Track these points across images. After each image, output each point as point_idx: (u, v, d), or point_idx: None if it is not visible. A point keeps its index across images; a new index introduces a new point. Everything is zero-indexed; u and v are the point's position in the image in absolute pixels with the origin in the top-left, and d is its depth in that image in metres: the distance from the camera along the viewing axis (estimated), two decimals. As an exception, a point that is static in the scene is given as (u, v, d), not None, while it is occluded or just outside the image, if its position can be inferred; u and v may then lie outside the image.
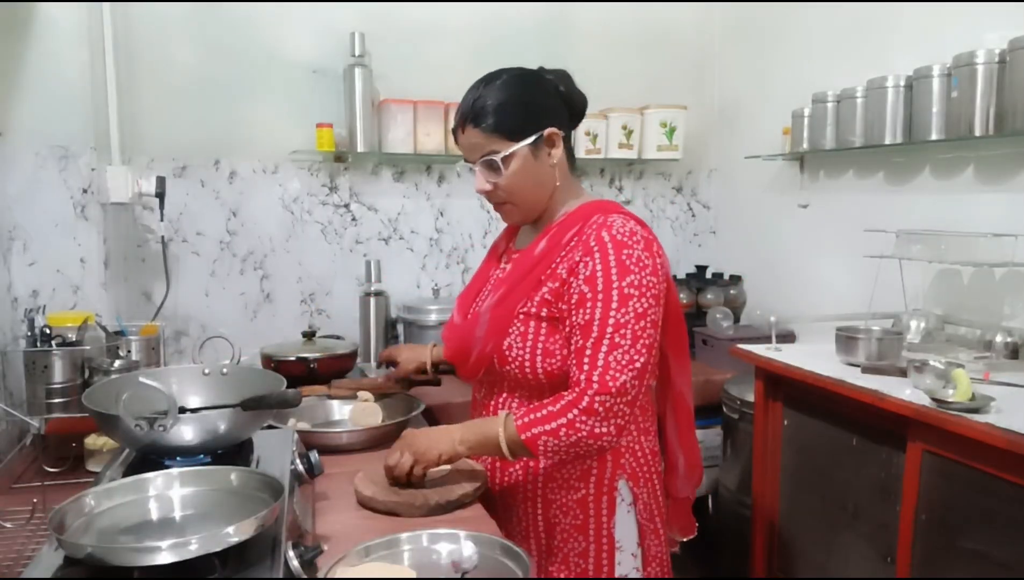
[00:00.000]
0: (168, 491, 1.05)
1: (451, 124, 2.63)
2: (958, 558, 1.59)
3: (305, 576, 0.93)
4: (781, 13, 2.80)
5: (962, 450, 1.55)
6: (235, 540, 0.87)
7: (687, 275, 3.06)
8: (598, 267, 1.24)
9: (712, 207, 3.25)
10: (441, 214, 2.85)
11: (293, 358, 2.19)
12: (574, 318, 1.25)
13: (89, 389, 1.30)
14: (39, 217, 2.06)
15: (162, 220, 2.40)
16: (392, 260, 2.76)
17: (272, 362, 2.18)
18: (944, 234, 2.05)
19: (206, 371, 1.41)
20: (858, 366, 1.92)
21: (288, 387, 1.31)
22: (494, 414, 1.40)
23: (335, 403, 1.86)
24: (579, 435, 1.20)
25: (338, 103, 2.62)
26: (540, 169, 1.33)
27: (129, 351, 1.87)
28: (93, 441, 1.56)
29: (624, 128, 2.88)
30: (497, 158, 1.29)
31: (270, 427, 1.45)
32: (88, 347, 1.74)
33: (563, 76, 1.39)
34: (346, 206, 2.73)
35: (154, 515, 1.02)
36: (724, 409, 2.46)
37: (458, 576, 1.07)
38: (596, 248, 1.25)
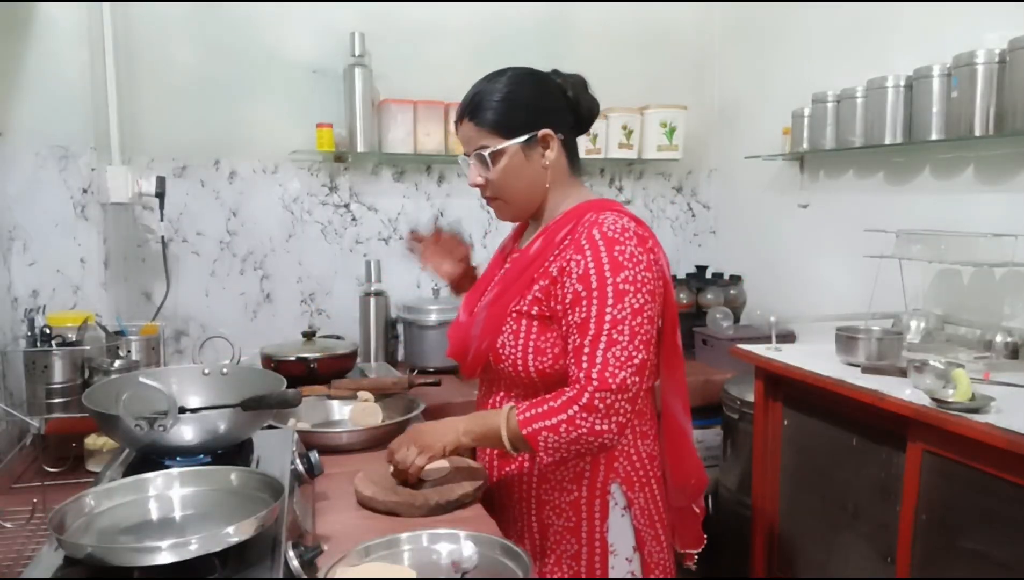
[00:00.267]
0: (168, 491, 1.05)
1: (451, 124, 2.66)
2: (958, 558, 1.59)
3: (305, 576, 0.93)
4: (781, 13, 2.80)
5: (962, 450, 1.55)
6: (235, 540, 0.87)
7: (687, 275, 3.06)
8: (590, 265, 1.23)
9: (712, 207, 3.25)
10: (441, 214, 2.85)
11: (293, 358, 2.19)
12: (570, 317, 1.25)
13: (89, 389, 1.30)
14: (39, 217, 2.06)
15: (162, 220, 2.40)
16: (392, 260, 2.75)
17: (272, 362, 2.18)
18: (944, 234, 2.05)
19: (206, 371, 1.41)
20: (858, 366, 1.92)
21: (288, 387, 1.31)
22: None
23: (335, 403, 1.86)
24: (579, 432, 1.19)
25: (338, 103, 2.63)
26: (531, 168, 1.34)
27: (129, 351, 1.87)
28: (93, 441, 1.56)
29: (624, 128, 2.88)
30: (486, 153, 1.31)
31: (270, 427, 1.45)
32: (88, 347, 1.74)
33: (576, 81, 1.40)
34: (346, 206, 2.74)
35: (154, 515, 1.01)
36: (724, 409, 2.46)
37: (458, 576, 1.07)
38: (587, 246, 1.25)
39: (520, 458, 1.38)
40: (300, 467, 1.24)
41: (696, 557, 1.52)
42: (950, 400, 1.58)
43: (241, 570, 0.90)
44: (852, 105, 2.32)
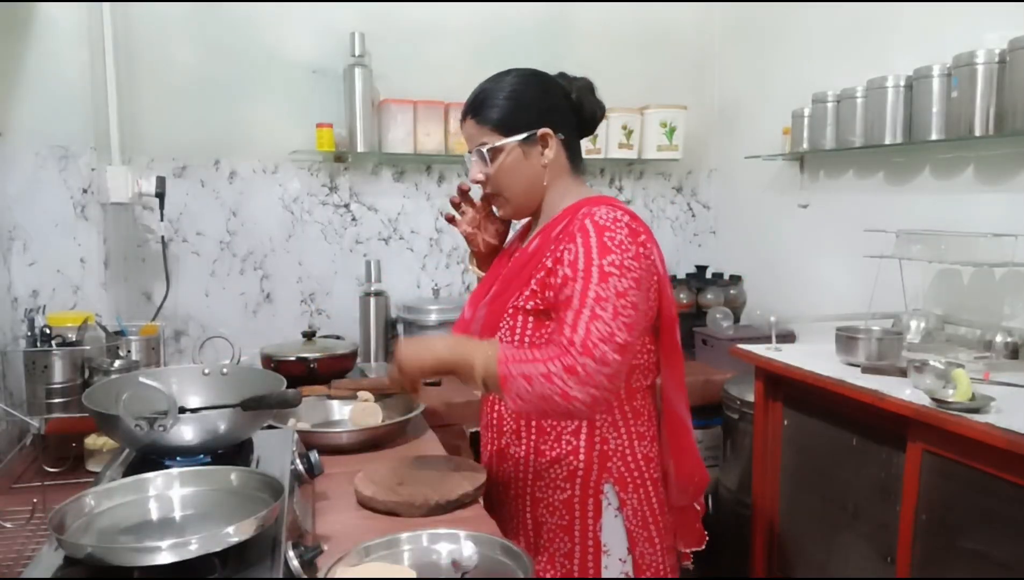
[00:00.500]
0: (168, 491, 1.05)
1: (451, 124, 2.66)
2: (958, 558, 1.59)
3: (305, 576, 0.93)
4: (781, 13, 2.80)
5: (962, 450, 1.55)
6: (235, 540, 0.87)
7: (687, 275, 3.06)
8: (580, 250, 1.24)
9: (712, 207, 3.25)
10: (441, 214, 2.85)
11: (293, 358, 2.19)
12: (559, 298, 1.25)
13: (89, 389, 1.30)
14: (39, 217, 2.06)
15: (162, 220, 2.40)
16: (392, 260, 2.76)
17: (272, 362, 2.18)
18: (944, 234, 2.05)
19: (206, 371, 1.41)
20: (858, 366, 1.92)
21: (288, 387, 1.31)
22: (495, 409, 1.43)
23: (335, 403, 1.86)
24: (550, 389, 1.15)
25: (338, 103, 2.63)
26: (530, 167, 1.36)
27: (129, 351, 1.87)
28: (93, 441, 1.56)
29: (624, 128, 2.88)
30: (485, 149, 1.34)
31: (270, 427, 1.45)
32: (88, 347, 1.74)
33: (582, 85, 1.42)
34: (346, 206, 2.73)
35: (154, 515, 1.02)
36: (724, 409, 2.46)
37: (458, 576, 1.07)
38: (579, 234, 1.26)
39: (517, 454, 1.38)
40: (300, 467, 1.24)
41: (692, 557, 1.52)
42: (950, 400, 1.58)
43: (241, 570, 0.90)
44: (852, 105, 2.32)
